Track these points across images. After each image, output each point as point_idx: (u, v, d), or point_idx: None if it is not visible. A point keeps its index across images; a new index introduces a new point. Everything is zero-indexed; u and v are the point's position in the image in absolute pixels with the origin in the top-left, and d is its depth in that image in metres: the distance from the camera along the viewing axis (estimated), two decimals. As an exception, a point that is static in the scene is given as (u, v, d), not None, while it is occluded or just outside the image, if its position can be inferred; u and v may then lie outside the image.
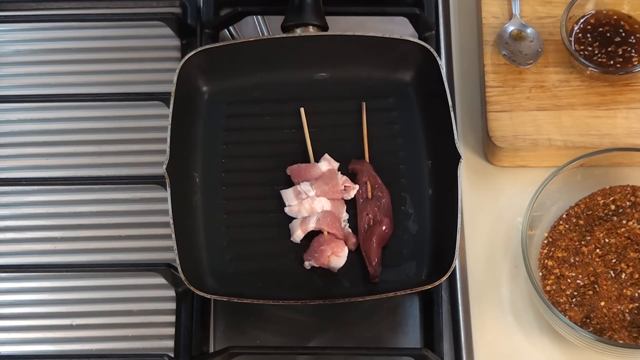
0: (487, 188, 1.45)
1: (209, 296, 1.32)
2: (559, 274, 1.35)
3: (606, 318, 1.32)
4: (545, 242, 1.38)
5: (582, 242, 1.37)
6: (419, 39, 1.48)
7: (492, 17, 1.50)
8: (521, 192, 1.41)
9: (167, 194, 1.34)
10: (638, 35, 1.46)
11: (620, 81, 1.45)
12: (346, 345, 1.37)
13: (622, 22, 1.46)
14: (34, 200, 1.47)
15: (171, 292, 1.40)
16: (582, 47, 1.45)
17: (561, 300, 1.34)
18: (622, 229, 1.37)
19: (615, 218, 1.38)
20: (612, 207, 1.38)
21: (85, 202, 1.47)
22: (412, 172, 1.43)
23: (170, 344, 1.38)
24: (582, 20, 1.47)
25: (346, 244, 1.38)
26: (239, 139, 1.45)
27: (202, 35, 1.53)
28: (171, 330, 1.39)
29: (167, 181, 1.35)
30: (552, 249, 1.37)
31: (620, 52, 1.45)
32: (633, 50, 1.45)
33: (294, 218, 1.40)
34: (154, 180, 1.42)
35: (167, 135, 1.37)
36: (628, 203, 1.38)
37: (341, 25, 1.52)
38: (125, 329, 1.41)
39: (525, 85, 1.46)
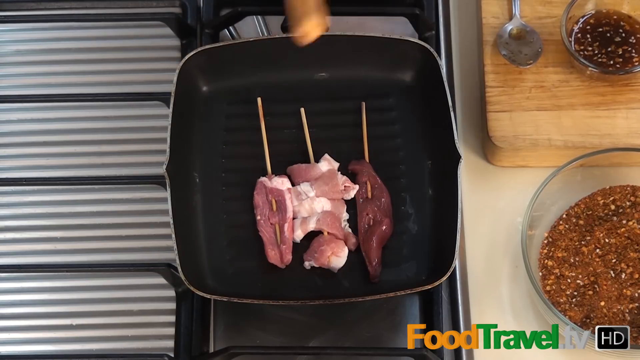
0: (487, 188, 1.45)
1: (209, 296, 1.33)
2: (559, 274, 1.35)
3: (606, 318, 1.32)
4: (545, 242, 1.38)
5: (582, 242, 1.37)
6: (419, 39, 1.48)
7: (492, 17, 1.50)
8: (521, 192, 1.41)
9: (167, 194, 1.34)
10: (638, 35, 1.46)
11: (620, 81, 1.45)
12: (346, 345, 1.37)
13: (622, 22, 1.46)
14: (34, 200, 1.47)
15: (171, 292, 1.40)
16: (582, 47, 1.45)
17: (561, 300, 1.34)
18: (622, 229, 1.37)
19: (615, 218, 1.38)
20: (612, 207, 1.38)
21: (85, 202, 1.47)
22: (412, 172, 1.43)
23: (170, 344, 1.38)
24: (582, 21, 1.47)
25: (346, 244, 1.38)
26: (239, 139, 1.45)
27: (202, 35, 1.53)
28: (171, 330, 1.39)
29: (167, 181, 1.35)
30: (552, 249, 1.37)
31: (620, 52, 1.45)
32: (633, 50, 1.45)
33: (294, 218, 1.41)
34: (154, 180, 1.42)
35: (167, 135, 1.37)
36: (628, 203, 1.39)
37: (341, 25, 1.52)
38: (125, 329, 1.41)
39: (525, 85, 1.46)
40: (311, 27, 1.29)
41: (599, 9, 1.47)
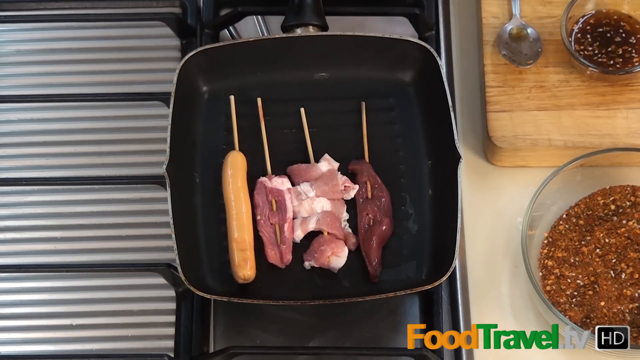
0: (487, 188, 1.45)
1: (209, 296, 1.33)
2: (559, 274, 1.35)
3: (606, 318, 1.32)
4: (545, 242, 1.38)
5: (582, 242, 1.37)
6: (419, 39, 1.48)
7: (492, 17, 1.50)
8: (521, 192, 1.41)
9: (167, 194, 1.34)
10: (638, 35, 1.46)
11: (620, 81, 1.45)
12: (346, 345, 1.37)
13: (622, 22, 1.46)
14: (34, 200, 1.47)
15: (171, 292, 1.40)
16: (582, 47, 1.45)
17: (561, 300, 1.34)
18: (622, 229, 1.37)
19: (615, 218, 1.38)
20: (612, 207, 1.38)
21: (85, 202, 1.47)
22: (412, 172, 1.43)
23: (170, 344, 1.38)
24: (582, 21, 1.47)
25: (346, 244, 1.38)
26: (239, 138, 1.44)
27: (202, 35, 1.53)
28: (171, 330, 1.39)
29: (167, 181, 1.35)
30: (552, 249, 1.37)
31: (620, 52, 1.45)
32: (633, 50, 1.45)
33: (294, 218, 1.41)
34: (154, 180, 1.42)
35: (167, 135, 1.37)
36: (628, 203, 1.39)
37: (341, 25, 1.52)
38: (125, 329, 1.41)
39: (525, 85, 1.46)
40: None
41: (599, 9, 1.47)
